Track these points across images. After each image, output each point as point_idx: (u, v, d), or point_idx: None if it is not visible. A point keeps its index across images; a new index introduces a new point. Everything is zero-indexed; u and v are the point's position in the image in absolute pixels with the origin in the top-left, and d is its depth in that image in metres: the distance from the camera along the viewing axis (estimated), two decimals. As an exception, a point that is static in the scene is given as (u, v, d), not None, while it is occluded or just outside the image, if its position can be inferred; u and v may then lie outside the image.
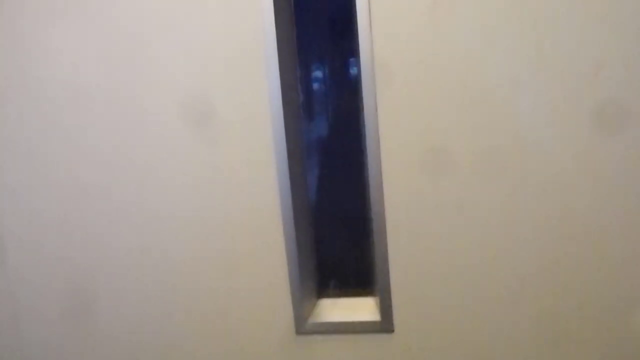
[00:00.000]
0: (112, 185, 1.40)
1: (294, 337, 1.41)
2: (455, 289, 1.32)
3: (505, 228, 1.28)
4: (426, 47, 1.22)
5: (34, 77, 1.37)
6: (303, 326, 1.40)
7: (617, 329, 1.28)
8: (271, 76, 1.29)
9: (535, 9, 1.16)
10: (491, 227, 1.28)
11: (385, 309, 1.36)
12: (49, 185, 1.43)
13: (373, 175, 1.30)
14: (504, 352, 1.33)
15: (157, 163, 1.38)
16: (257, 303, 1.41)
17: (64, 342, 1.52)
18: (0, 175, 1.44)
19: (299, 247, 1.37)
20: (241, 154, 1.34)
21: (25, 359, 1.55)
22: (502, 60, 1.20)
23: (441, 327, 1.35)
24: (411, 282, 1.34)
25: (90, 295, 1.48)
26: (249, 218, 1.37)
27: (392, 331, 1.36)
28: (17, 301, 1.51)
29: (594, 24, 1.15)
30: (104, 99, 1.36)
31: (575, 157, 1.21)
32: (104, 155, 1.39)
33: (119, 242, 1.43)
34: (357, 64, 1.28)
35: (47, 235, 1.46)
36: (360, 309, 1.45)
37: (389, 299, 1.35)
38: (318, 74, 1.52)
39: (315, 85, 1.52)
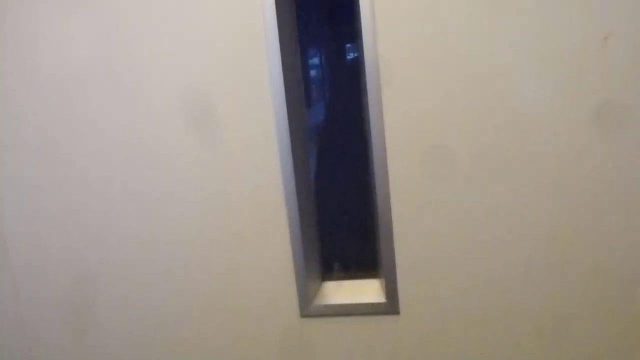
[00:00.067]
0: (114, 182, 1.40)
1: (298, 320, 1.40)
2: (462, 270, 1.31)
3: (510, 210, 1.26)
4: (430, 43, 1.20)
5: (35, 77, 1.37)
6: (307, 309, 1.39)
7: (617, 327, 1.28)
8: (272, 60, 1.26)
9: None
10: (497, 209, 1.27)
11: (391, 290, 1.35)
12: (51, 184, 1.43)
13: (377, 156, 1.28)
14: (509, 334, 1.33)
15: (160, 149, 1.36)
16: (261, 286, 1.40)
17: (67, 341, 1.53)
18: (2, 173, 1.44)
19: (302, 230, 1.36)
20: (244, 138, 1.32)
21: (29, 358, 1.56)
22: (508, 54, 1.18)
23: (447, 308, 1.34)
24: (417, 263, 1.32)
25: (93, 294, 1.48)
26: (252, 201, 1.35)
27: (398, 313, 1.36)
28: (20, 300, 1.52)
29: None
30: (105, 96, 1.35)
31: (576, 157, 1.21)
32: (105, 154, 1.38)
33: (121, 239, 1.43)
34: (362, 64, 1.26)
35: (49, 234, 1.46)
36: (365, 291, 1.44)
37: (395, 280, 1.34)
38: (316, 60, 1.49)
39: (314, 72, 1.50)
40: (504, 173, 1.24)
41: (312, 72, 1.49)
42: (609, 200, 1.22)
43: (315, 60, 1.49)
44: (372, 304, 1.37)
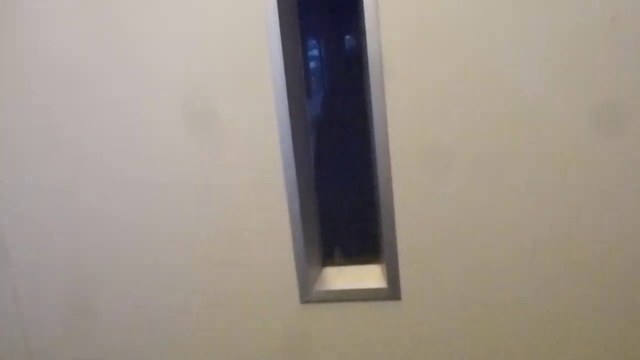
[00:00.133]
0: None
1: (298, 306, 1.40)
2: (464, 255, 1.30)
3: (514, 195, 1.25)
4: (433, 33, 1.19)
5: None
6: (308, 294, 1.38)
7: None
8: (272, 46, 1.25)
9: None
10: (500, 194, 1.25)
11: (392, 276, 1.33)
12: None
13: (379, 141, 1.27)
14: (511, 320, 1.32)
15: (161, 140, 1.35)
16: (261, 272, 1.39)
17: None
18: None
19: (303, 215, 1.34)
20: (244, 122, 1.31)
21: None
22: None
23: (449, 294, 1.33)
24: (419, 248, 1.31)
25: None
26: (252, 187, 1.34)
27: (399, 298, 1.35)
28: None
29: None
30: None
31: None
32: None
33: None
34: (364, 53, 1.24)
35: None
36: (366, 276, 1.43)
37: (396, 265, 1.33)
38: (315, 52, 1.48)
39: (314, 63, 1.49)
40: (508, 160, 1.23)
41: (312, 63, 1.48)
42: (610, 199, 1.22)
43: (315, 52, 1.48)
44: (374, 290, 1.36)
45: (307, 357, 1.43)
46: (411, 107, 1.23)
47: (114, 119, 1.35)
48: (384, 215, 1.31)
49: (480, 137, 1.22)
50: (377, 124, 1.26)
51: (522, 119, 1.20)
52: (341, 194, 1.53)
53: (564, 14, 1.14)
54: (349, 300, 1.37)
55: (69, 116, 1.37)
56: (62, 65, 1.34)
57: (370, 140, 1.34)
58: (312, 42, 1.46)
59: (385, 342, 1.38)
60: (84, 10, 1.30)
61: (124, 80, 1.32)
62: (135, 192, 1.39)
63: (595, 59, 1.15)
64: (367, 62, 1.24)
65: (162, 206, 1.39)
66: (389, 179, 1.28)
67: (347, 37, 1.45)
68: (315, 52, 1.47)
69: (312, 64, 1.47)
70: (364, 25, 1.21)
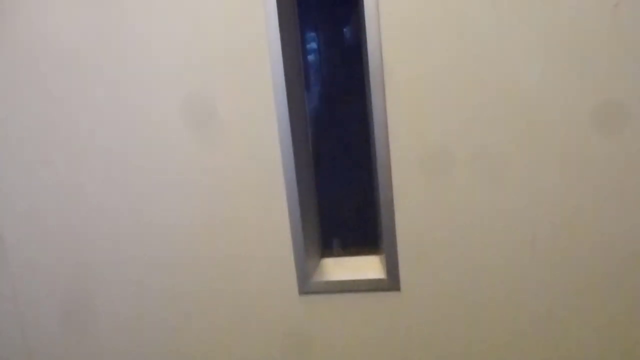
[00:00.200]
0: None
1: (297, 297, 1.39)
2: (464, 246, 1.29)
3: (516, 186, 1.24)
4: (434, 25, 1.19)
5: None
6: (306, 286, 1.37)
7: (624, 302, 1.27)
8: (271, 38, 1.23)
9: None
10: (501, 184, 1.24)
11: (391, 266, 1.32)
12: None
13: (379, 131, 1.25)
14: (511, 311, 1.31)
15: (159, 134, 1.34)
16: (259, 263, 1.38)
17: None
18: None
19: (301, 205, 1.33)
20: (243, 114, 1.29)
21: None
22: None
23: (448, 285, 1.32)
24: (418, 238, 1.30)
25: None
26: (250, 177, 1.33)
27: (398, 289, 1.34)
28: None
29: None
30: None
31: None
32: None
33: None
34: (364, 43, 1.23)
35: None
36: (365, 267, 1.42)
37: (395, 256, 1.32)
38: (313, 44, 1.47)
39: (313, 51, 1.47)
40: (509, 152, 1.22)
41: (310, 56, 1.46)
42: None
43: (312, 44, 1.46)
44: (372, 281, 1.35)
45: (306, 348, 1.42)
46: (410, 98, 1.22)
47: (113, 118, 1.34)
48: (383, 205, 1.30)
49: (481, 127, 1.21)
50: (376, 115, 1.24)
51: (524, 110, 1.20)
52: (340, 184, 1.52)
53: (565, 13, 1.13)
54: (347, 291, 1.37)
55: (68, 115, 1.36)
56: (62, 65, 1.33)
57: (370, 130, 1.32)
58: (310, 34, 1.44)
59: (384, 333, 1.37)
60: (83, 9, 1.29)
61: (123, 79, 1.32)
62: (131, 184, 1.38)
63: (596, 59, 1.14)
64: (366, 56, 1.23)
65: (159, 198, 1.38)
66: (388, 169, 1.27)
67: (345, 29, 1.44)
68: (313, 45, 1.46)
69: (310, 57, 1.46)
70: (364, 22, 1.20)
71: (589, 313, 1.28)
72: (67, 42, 1.31)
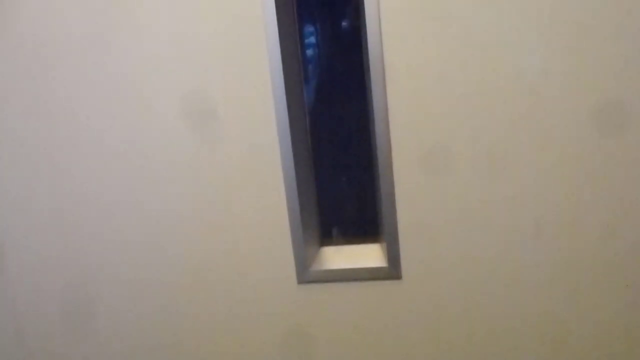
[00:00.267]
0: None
1: (295, 287, 1.37)
2: (466, 233, 1.28)
3: (518, 170, 1.22)
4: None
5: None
6: (305, 275, 1.36)
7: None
8: (270, 33, 1.22)
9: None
10: (503, 169, 1.23)
11: (393, 254, 1.31)
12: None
13: (379, 114, 1.23)
14: (514, 299, 1.30)
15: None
16: (256, 252, 1.36)
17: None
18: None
19: (300, 193, 1.31)
20: (240, 100, 1.27)
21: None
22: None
23: (451, 273, 1.31)
24: (420, 226, 1.29)
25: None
26: (247, 162, 1.31)
27: (400, 278, 1.32)
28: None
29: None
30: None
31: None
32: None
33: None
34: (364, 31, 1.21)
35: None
36: (365, 255, 1.41)
37: (397, 244, 1.30)
38: (311, 29, 1.45)
39: (311, 41, 1.45)
40: (512, 134, 1.20)
41: (308, 48, 1.45)
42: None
43: (310, 29, 1.44)
44: (373, 269, 1.34)
45: (305, 339, 1.41)
46: (411, 86, 1.20)
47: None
48: (384, 192, 1.28)
49: (482, 115, 1.20)
50: (377, 103, 1.23)
51: (526, 95, 1.18)
52: (340, 171, 1.50)
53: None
54: (347, 280, 1.35)
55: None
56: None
57: (370, 117, 1.31)
58: (309, 22, 1.43)
59: (385, 323, 1.36)
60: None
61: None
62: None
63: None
64: (366, 46, 1.21)
65: (157, 185, 1.36)
66: (389, 156, 1.25)
67: (344, 22, 1.43)
68: (311, 30, 1.44)
69: (309, 50, 1.45)
70: (364, 19, 1.19)
71: (592, 301, 1.27)
72: (67, 42, 1.30)
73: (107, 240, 1.41)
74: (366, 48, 1.21)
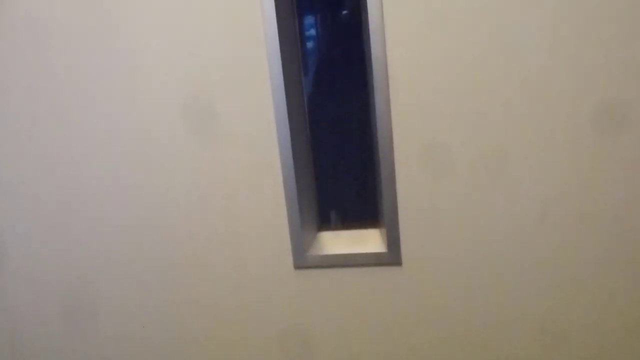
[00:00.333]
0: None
1: (292, 272, 1.36)
2: (468, 218, 1.26)
3: (522, 156, 1.20)
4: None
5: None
6: (302, 260, 1.34)
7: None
8: (265, 10, 1.20)
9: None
10: (507, 153, 1.21)
11: (393, 240, 1.29)
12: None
13: (379, 97, 1.21)
14: (516, 285, 1.29)
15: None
16: (252, 236, 1.34)
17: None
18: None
19: (297, 175, 1.29)
20: (237, 83, 1.25)
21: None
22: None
23: (451, 259, 1.29)
24: (420, 211, 1.27)
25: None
26: (243, 143, 1.28)
27: (400, 264, 1.31)
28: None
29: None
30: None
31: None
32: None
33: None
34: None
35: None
36: (365, 240, 1.39)
37: (397, 229, 1.29)
38: (311, 20, 1.43)
39: (310, 33, 1.44)
40: (514, 117, 1.18)
41: (308, 40, 1.43)
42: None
43: (310, 20, 1.43)
44: (372, 254, 1.32)
45: (301, 327, 1.39)
46: (412, 69, 1.18)
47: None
48: (384, 177, 1.26)
49: (490, 90, 1.17)
50: (377, 86, 1.21)
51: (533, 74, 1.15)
52: (339, 155, 1.48)
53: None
54: (346, 265, 1.34)
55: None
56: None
57: (370, 99, 1.29)
58: (308, 12, 1.41)
59: (384, 309, 1.35)
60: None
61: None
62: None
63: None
64: (367, 37, 1.19)
65: (154, 173, 1.34)
66: (390, 140, 1.23)
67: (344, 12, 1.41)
68: (311, 21, 1.43)
69: (308, 41, 1.43)
70: (367, 16, 1.17)
71: (597, 289, 1.26)
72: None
73: (109, 232, 1.40)
74: (367, 37, 1.19)
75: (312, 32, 1.42)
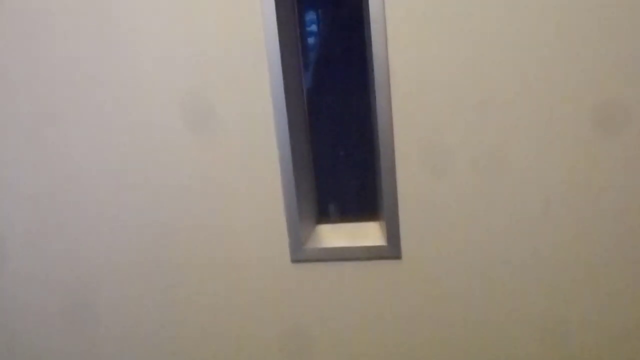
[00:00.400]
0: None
1: (289, 266, 1.34)
2: (468, 211, 1.25)
3: (523, 149, 1.20)
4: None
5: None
6: (299, 253, 1.33)
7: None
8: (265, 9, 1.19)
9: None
10: (508, 147, 1.20)
11: (392, 233, 1.28)
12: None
13: (380, 88, 1.20)
14: (517, 279, 1.28)
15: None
16: (248, 229, 1.33)
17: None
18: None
19: (295, 166, 1.28)
20: (235, 67, 1.24)
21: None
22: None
23: (452, 252, 1.28)
24: (421, 203, 1.25)
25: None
26: (240, 134, 1.27)
27: (399, 257, 1.30)
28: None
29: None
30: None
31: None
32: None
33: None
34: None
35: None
36: (364, 234, 1.38)
37: (397, 222, 1.27)
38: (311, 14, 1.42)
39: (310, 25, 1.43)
40: (514, 113, 1.18)
41: (309, 34, 1.43)
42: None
43: (310, 14, 1.42)
44: (372, 248, 1.31)
45: (300, 320, 1.38)
46: (412, 63, 1.17)
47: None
48: (384, 167, 1.25)
49: (490, 83, 1.16)
50: (378, 78, 1.20)
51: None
52: (338, 147, 1.47)
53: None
54: (344, 259, 1.33)
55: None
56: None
57: (371, 91, 1.28)
58: (309, 7, 1.40)
59: (384, 303, 1.34)
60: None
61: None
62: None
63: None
64: (368, 30, 1.18)
65: (151, 166, 1.33)
66: (390, 131, 1.21)
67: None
68: (311, 16, 1.42)
69: (309, 36, 1.42)
70: (368, 14, 1.17)
71: (597, 286, 1.25)
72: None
73: (109, 231, 1.40)
74: (368, 30, 1.18)
75: (313, 27, 1.41)
